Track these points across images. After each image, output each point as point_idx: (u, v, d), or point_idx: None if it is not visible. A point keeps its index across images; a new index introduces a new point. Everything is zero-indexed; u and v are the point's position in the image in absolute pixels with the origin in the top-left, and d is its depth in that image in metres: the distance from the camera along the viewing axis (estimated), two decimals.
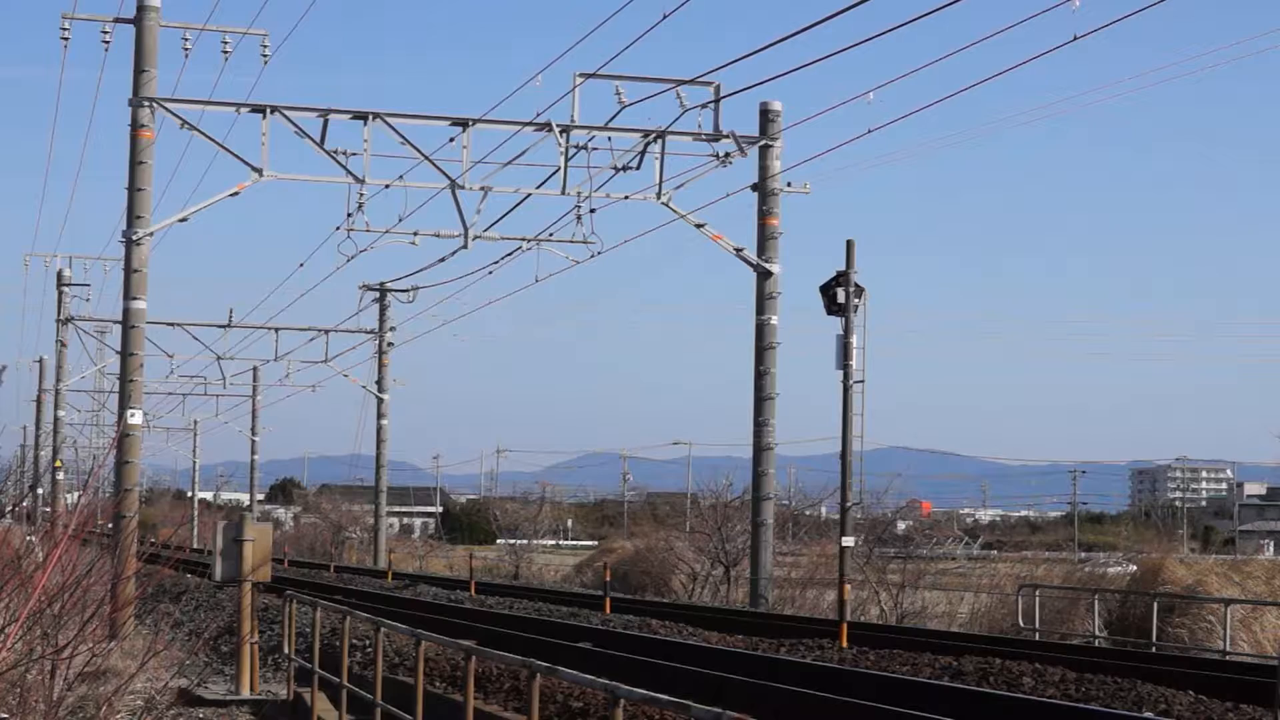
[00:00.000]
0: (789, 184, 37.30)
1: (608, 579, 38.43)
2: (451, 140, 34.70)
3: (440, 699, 18.70)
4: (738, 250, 36.94)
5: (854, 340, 27.74)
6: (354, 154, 34.24)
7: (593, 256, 37.01)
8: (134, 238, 33.08)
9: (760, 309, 37.07)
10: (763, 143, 36.86)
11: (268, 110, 33.54)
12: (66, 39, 35.27)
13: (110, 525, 33.04)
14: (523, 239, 38.05)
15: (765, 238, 37.21)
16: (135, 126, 32.96)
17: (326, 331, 65.57)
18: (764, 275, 36.97)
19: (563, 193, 35.27)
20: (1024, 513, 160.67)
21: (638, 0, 25.48)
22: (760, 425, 36.85)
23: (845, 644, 26.43)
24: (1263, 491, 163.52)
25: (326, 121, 33.78)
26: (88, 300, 70.70)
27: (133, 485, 33.09)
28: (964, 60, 26.64)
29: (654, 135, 35.26)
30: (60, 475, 76.81)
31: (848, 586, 29.18)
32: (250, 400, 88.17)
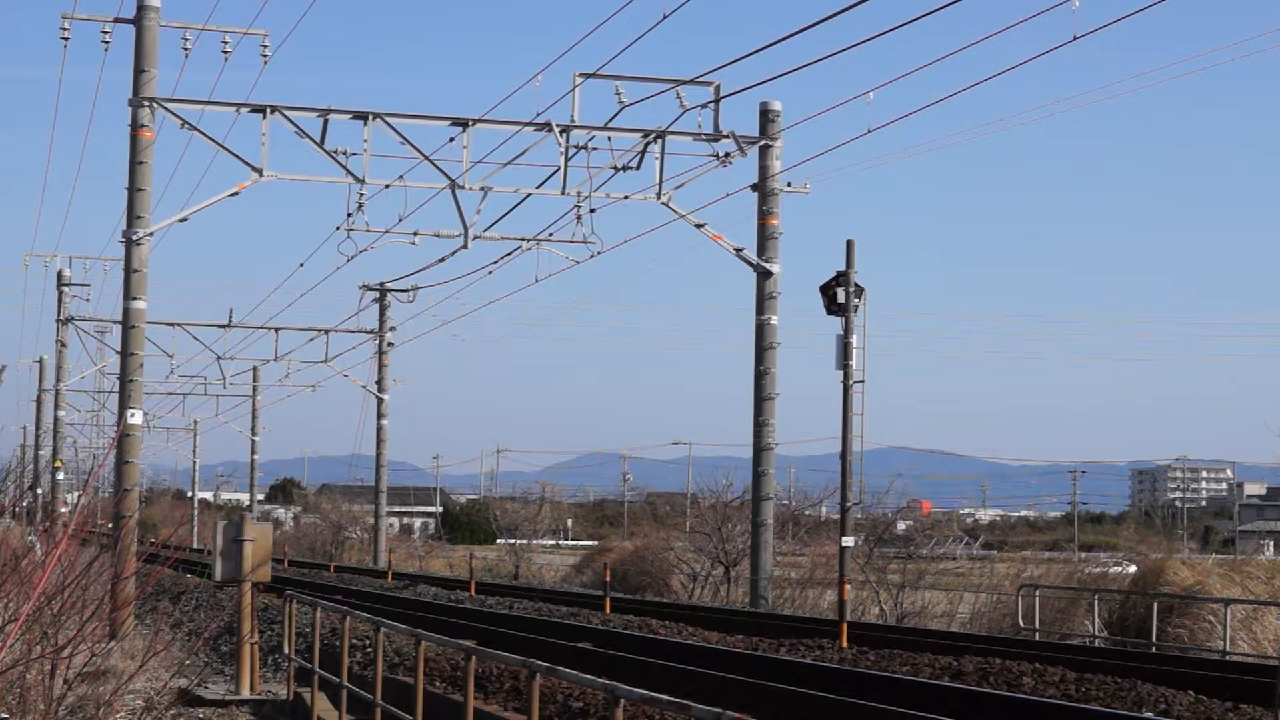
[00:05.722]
0: (789, 184, 37.30)
1: (608, 579, 38.42)
2: (451, 140, 34.72)
3: (440, 699, 18.70)
4: (738, 250, 36.93)
5: (854, 340, 27.72)
6: (354, 154, 34.23)
7: (593, 256, 37.03)
8: (134, 238, 33.07)
9: (760, 309, 37.06)
10: (763, 143, 36.85)
11: (268, 110, 33.52)
12: (66, 39, 35.26)
13: (110, 525, 33.04)
14: (523, 239, 38.05)
15: (765, 238, 37.20)
16: (135, 126, 32.94)
17: (326, 331, 65.57)
18: (764, 275, 36.96)
19: (563, 193, 35.26)
20: (1024, 513, 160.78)
21: (638, 0, 25.52)
22: (760, 425, 36.83)
23: (845, 644, 26.42)
24: (1263, 491, 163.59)
25: (326, 121, 33.77)
26: (88, 300, 70.76)
27: (133, 485, 33.08)
28: (964, 60, 26.71)
29: (654, 135, 35.24)
30: (60, 475, 76.79)
31: (848, 586, 29.17)
32: (250, 400, 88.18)
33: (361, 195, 34.91)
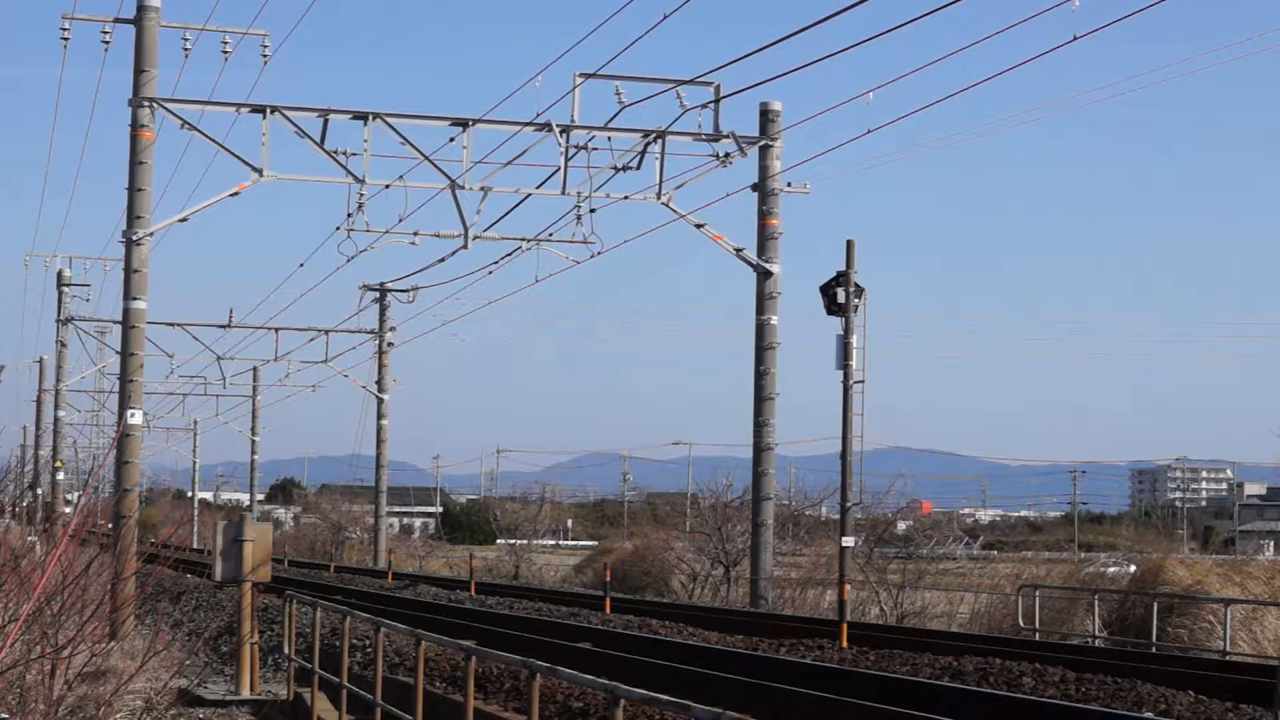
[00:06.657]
0: (789, 184, 37.30)
1: (608, 579, 38.42)
2: (451, 140, 34.72)
3: (440, 699, 18.69)
4: (738, 250, 36.93)
5: (854, 340, 27.71)
6: (354, 154, 34.24)
7: (593, 256, 37.05)
8: (134, 238, 33.08)
9: (760, 309, 37.06)
10: (763, 143, 36.85)
11: (268, 110, 33.53)
12: (66, 39, 35.28)
13: (110, 525, 33.04)
14: (523, 239, 38.05)
15: (765, 238, 37.20)
16: (135, 126, 32.96)
17: (326, 331, 65.59)
18: (764, 275, 36.96)
19: (563, 193, 35.27)
20: (1024, 513, 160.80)
21: (638, 0, 25.53)
22: (760, 425, 36.83)
23: (845, 644, 26.42)
24: (1263, 491, 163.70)
25: (326, 121, 33.78)
26: (88, 300, 70.80)
27: (133, 485, 33.07)
28: (964, 60, 26.70)
29: (654, 135, 35.25)
30: (60, 475, 76.80)
31: (848, 586, 29.16)
32: (250, 400, 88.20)
33: (361, 195, 34.94)
